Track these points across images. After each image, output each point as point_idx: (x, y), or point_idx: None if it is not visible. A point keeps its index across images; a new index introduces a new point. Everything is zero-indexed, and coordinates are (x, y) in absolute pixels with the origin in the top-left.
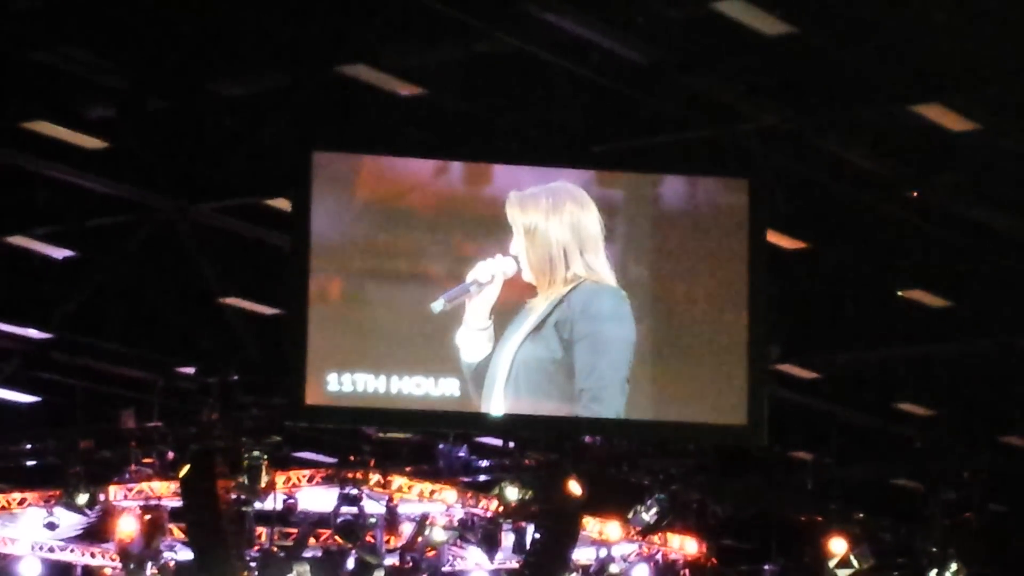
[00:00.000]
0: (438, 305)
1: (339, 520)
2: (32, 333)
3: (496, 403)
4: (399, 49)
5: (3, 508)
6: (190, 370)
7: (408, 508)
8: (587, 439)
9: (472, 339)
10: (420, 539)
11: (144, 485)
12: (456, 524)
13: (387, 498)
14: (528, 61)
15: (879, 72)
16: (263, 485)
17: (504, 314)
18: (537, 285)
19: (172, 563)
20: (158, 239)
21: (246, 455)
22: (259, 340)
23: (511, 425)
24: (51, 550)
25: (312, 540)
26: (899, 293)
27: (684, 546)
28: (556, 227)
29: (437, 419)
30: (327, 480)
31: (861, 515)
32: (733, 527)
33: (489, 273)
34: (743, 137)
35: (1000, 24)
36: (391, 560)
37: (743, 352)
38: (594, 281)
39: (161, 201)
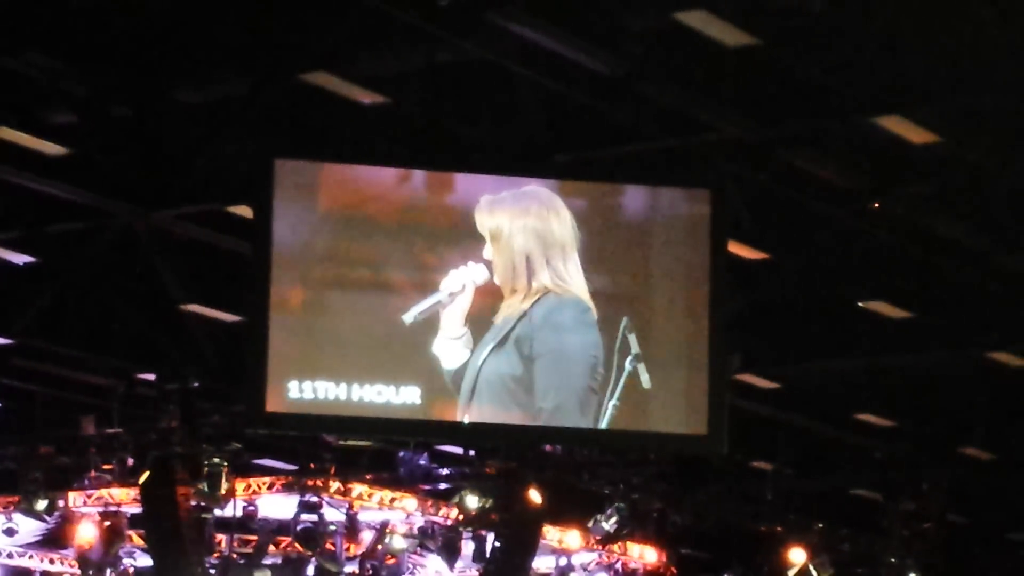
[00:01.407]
0: (409, 317)
1: (299, 527)
2: None
3: (467, 412)
4: (362, 57)
5: None
6: (150, 377)
7: (368, 516)
8: (547, 448)
9: (448, 347)
10: (380, 547)
11: (104, 491)
12: (416, 532)
13: (347, 505)
14: (491, 70)
15: (840, 84)
16: (223, 492)
17: (480, 321)
18: (503, 291)
19: (131, 569)
20: (119, 246)
21: (206, 462)
22: (220, 347)
23: (476, 434)
24: (10, 556)
25: (272, 547)
26: (860, 304)
27: (644, 555)
28: (520, 233)
29: (400, 427)
30: (287, 487)
31: (820, 525)
32: (693, 536)
33: (460, 282)
34: (705, 148)
35: (961, 36)
36: (351, 568)
37: (704, 362)
38: (557, 294)
39: (122, 208)
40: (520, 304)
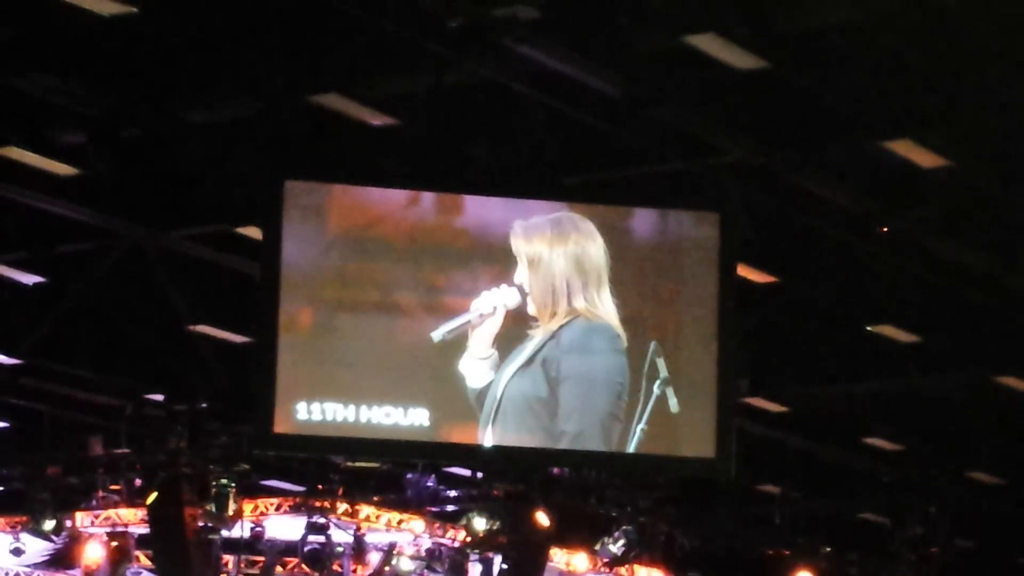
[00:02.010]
0: (438, 335)
1: (306, 549)
2: (1, 359)
3: (487, 434)
4: (372, 79)
5: None
6: (159, 397)
7: (376, 537)
8: (555, 470)
9: (474, 367)
10: (387, 568)
11: (111, 512)
12: (423, 554)
13: (355, 527)
14: (501, 93)
15: (850, 107)
16: (231, 513)
17: (507, 344)
18: (539, 317)
19: None
20: (128, 266)
21: (214, 483)
22: (228, 368)
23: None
24: None
25: (279, 568)
26: (868, 328)
27: None
28: (560, 259)
29: (414, 449)
30: (295, 508)
31: (828, 549)
32: (700, 560)
33: (491, 304)
34: (714, 171)
35: (970, 60)
36: None
37: (712, 385)
38: (587, 318)
39: (131, 228)
40: (548, 325)
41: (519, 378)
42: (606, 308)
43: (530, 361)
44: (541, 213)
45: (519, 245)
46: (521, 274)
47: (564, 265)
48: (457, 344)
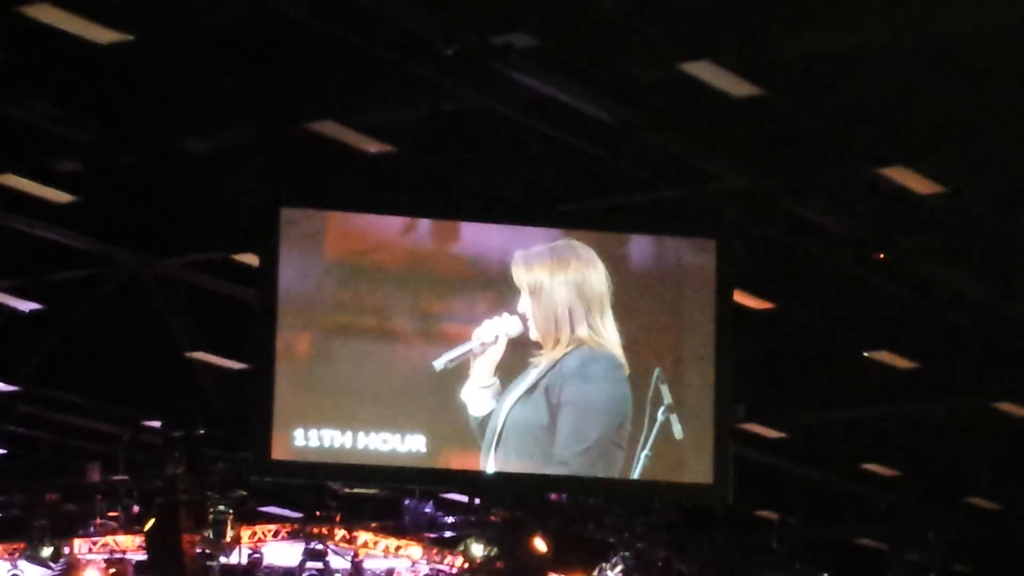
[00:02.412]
0: (440, 364)
1: (304, 575)
2: None
3: (489, 461)
4: (368, 106)
5: None
6: (156, 424)
7: (373, 564)
8: (553, 496)
9: (476, 395)
10: None
11: (109, 538)
12: None
13: (352, 553)
14: (497, 120)
15: (846, 134)
16: (228, 539)
17: (509, 372)
18: (543, 345)
19: None
20: (125, 293)
21: (211, 509)
22: (225, 395)
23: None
24: None
25: None
26: (865, 354)
27: None
28: (562, 287)
29: (413, 476)
30: (293, 535)
31: (826, 575)
32: None
33: (493, 333)
34: (711, 198)
35: (967, 86)
36: None
37: (709, 411)
38: (591, 347)
39: (128, 255)
40: (552, 353)
41: (521, 405)
42: (609, 335)
43: (532, 389)
44: (539, 240)
45: (520, 274)
46: (523, 303)
47: (565, 293)
48: (458, 372)
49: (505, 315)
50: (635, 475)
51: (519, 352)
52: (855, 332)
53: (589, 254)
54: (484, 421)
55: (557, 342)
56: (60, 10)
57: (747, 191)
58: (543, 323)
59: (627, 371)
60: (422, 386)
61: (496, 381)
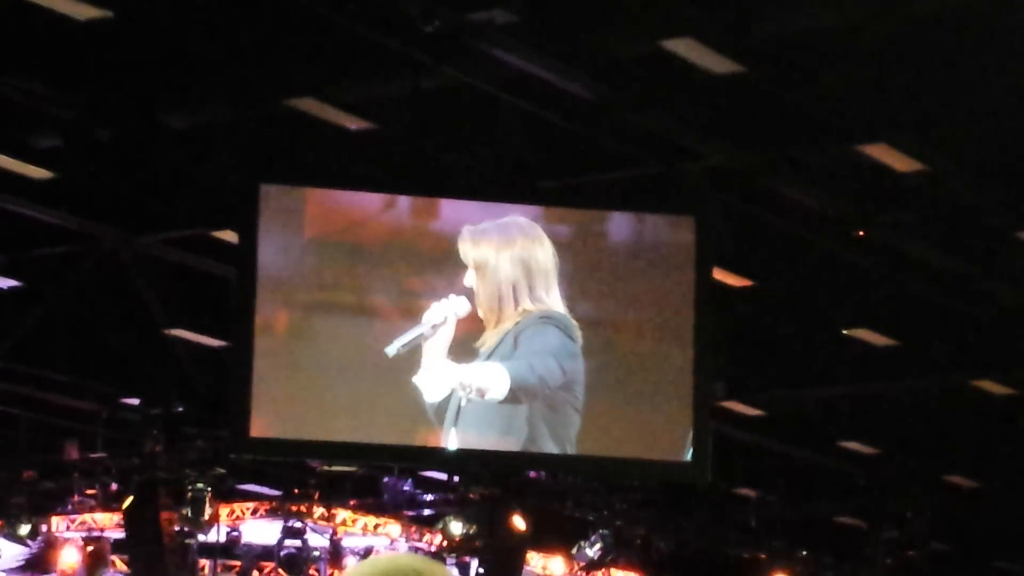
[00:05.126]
0: (392, 350)
1: (283, 553)
2: None
3: (451, 437)
4: (348, 83)
5: None
6: (135, 401)
7: (352, 542)
8: (531, 474)
9: (430, 380)
10: None
11: (87, 516)
12: None
13: (331, 531)
14: (477, 97)
15: (826, 112)
16: (207, 517)
17: (463, 350)
18: (485, 321)
19: None
20: (104, 270)
21: (190, 487)
22: (204, 372)
23: (462, 461)
24: None
25: (255, 573)
26: (844, 332)
27: None
28: (506, 263)
29: (384, 453)
30: (271, 513)
31: (804, 552)
32: (676, 563)
33: (442, 314)
34: (690, 175)
35: (947, 65)
36: None
37: (688, 389)
38: (538, 311)
39: (107, 232)
40: (501, 326)
41: None
42: (555, 306)
43: (488, 358)
44: (510, 216)
45: (467, 250)
46: (469, 278)
47: (510, 269)
48: (413, 357)
49: (452, 296)
50: (572, 449)
51: (470, 329)
52: (834, 310)
53: (535, 230)
54: (443, 405)
55: (500, 320)
56: None
57: (727, 168)
58: (487, 299)
59: (579, 334)
60: (400, 365)
61: (450, 362)
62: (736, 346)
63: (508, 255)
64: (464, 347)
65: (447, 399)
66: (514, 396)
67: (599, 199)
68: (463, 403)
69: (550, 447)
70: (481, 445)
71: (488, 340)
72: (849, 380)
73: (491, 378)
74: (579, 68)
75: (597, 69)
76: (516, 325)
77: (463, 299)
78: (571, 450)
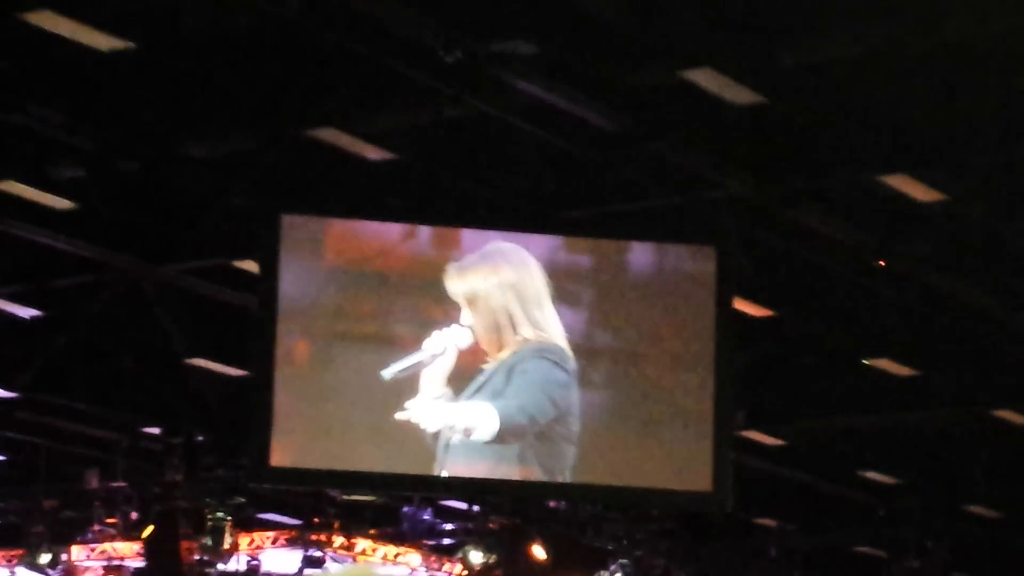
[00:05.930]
0: (388, 373)
1: None
2: None
3: (443, 466)
4: (369, 113)
5: None
6: (155, 430)
7: None
8: (552, 503)
9: (427, 408)
10: None
11: (107, 545)
12: None
13: (351, 560)
14: (497, 127)
15: (847, 142)
16: (227, 546)
17: (461, 380)
18: (488, 351)
19: None
20: (125, 300)
21: (210, 516)
22: (225, 401)
23: (463, 487)
24: None
25: None
26: (865, 361)
27: None
28: (496, 291)
29: (405, 482)
30: (291, 542)
31: None
32: None
33: (442, 344)
34: (711, 205)
35: (968, 95)
36: None
37: (709, 418)
38: (537, 342)
39: (129, 262)
40: (500, 356)
41: None
42: (552, 329)
43: (479, 391)
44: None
45: (455, 286)
46: (465, 314)
47: (501, 296)
48: (409, 384)
49: (454, 326)
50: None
51: (469, 360)
52: (855, 339)
53: (519, 253)
54: (434, 435)
55: (502, 347)
56: (61, 16)
57: (747, 198)
58: (485, 330)
59: (573, 364)
60: (412, 394)
61: (448, 391)
62: (756, 376)
63: (496, 282)
64: (465, 377)
65: (439, 431)
66: (502, 437)
67: (619, 229)
68: (452, 440)
69: (539, 478)
70: (473, 473)
71: (486, 369)
72: (870, 410)
73: (479, 419)
74: (600, 98)
75: (618, 99)
76: (513, 355)
77: (467, 331)
78: (564, 480)
